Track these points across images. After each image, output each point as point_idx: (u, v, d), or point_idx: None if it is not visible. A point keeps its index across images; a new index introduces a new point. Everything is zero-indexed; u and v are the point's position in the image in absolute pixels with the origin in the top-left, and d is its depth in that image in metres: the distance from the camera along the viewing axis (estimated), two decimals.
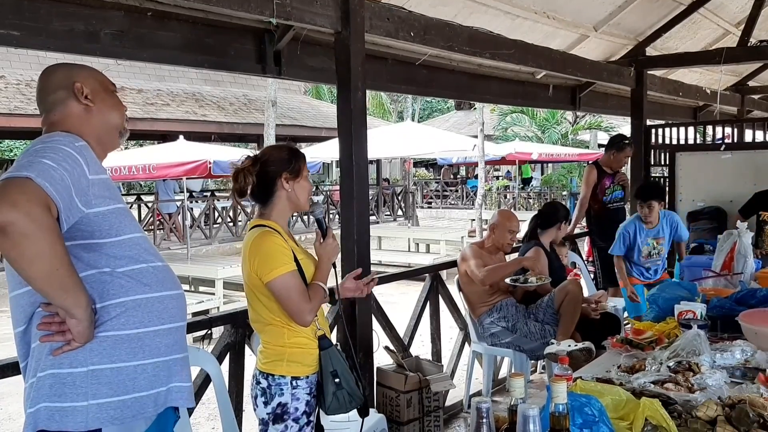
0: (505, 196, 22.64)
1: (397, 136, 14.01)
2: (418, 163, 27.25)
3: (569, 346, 3.53)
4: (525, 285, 4.06)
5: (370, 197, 16.88)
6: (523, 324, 4.12)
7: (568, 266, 5.21)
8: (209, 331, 3.23)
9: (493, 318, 4.20)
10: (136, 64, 13.34)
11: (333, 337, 2.75)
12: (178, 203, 14.12)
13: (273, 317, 2.34)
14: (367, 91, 3.82)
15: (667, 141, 7.03)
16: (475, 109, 20.71)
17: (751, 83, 9.26)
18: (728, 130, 8.12)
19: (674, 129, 7.08)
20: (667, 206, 5.76)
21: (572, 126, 21.97)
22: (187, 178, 12.88)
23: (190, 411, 2.60)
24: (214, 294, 8.49)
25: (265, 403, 2.34)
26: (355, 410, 2.43)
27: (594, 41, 6.19)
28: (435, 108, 35.00)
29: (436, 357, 4.59)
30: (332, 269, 2.46)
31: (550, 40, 5.65)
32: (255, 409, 2.40)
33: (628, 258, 5.09)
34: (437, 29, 4.20)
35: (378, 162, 19.36)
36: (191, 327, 2.99)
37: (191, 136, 13.88)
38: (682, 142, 7.06)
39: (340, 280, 2.52)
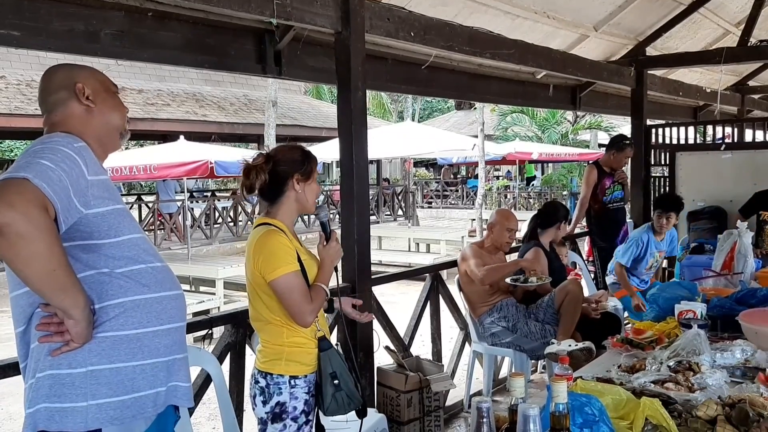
0: (506, 196, 22.64)
1: (397, 136, 14.01)
2: (418, 163, 27.24)
3: (569, 345, 3.53)
4: (525, 285, 4.06)
5: (371, 197, 16.92)
6: (524, 324, 4.12)
7: (569, 266, 5.21)
8: (210, 331, 3.23)
9: (494, 318, 4.20)
10: (136, 65, 13.35)
11: (333, 338, 2.76)
12: (179, 203, 14.12)
13: (273, 316, 2.34)
14: (367, 91, 3.82)
15: (667, 141, 7.03)
16: (475, 108, 20.71)
17: (751, 83, 9.26)
18: (728, 129, 8.13)
19: (674, 129, 7.08)
20: None
21: (572, 126, 21.97)
22: (187, 179, 12.90)
23: (191, 411, 2.60)
24: (214, 294, 8.50)
25: (264, 403, 2.34)
26: (353, 412, 2.44)
27: (594, 41, 6.20)
28: (435, 108, 34.99)
29: (436, 357, 4.59)
30: (334, 272, 2.47)
31: (550, 40, 5.65)
32: (254, 409, 2.40)
33: (629, 268, 5.08)
34: (437, 29, 4.20)
35: (378, 162, 19.37)
36: (192, 327, 2.99)
37: (191, 137, 13.89)
38: (682, 141, 7.06)
39: (341, 283, 2.53)
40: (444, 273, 4.79)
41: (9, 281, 1.73)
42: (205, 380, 2.94)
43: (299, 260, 2.33)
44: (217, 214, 15.03)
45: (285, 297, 2.27)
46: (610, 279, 5.31)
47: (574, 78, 6.39)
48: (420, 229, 15.88)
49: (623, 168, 6.01)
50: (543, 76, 6.21)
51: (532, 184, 24.93)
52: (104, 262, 1.72)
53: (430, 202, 25.50)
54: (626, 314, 5.06)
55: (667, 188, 6.65)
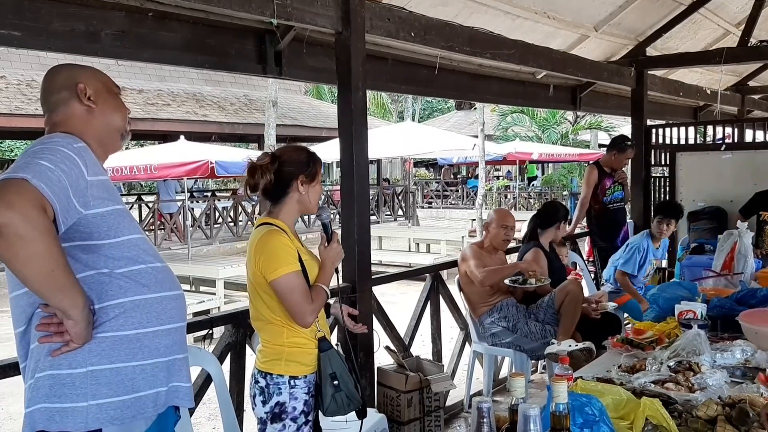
0: (506, 196, 22.64)
1: (398, 136, 14.02)
2: (418, 163, 27.24)
3: (570, 345, 3.52)
4: (524, 286, 4.06)
5: (371, 197, 16.91)
6: (524, 324, 4.12)
7: (569, 266, 5.20)
8: (210, 331, 3.24)
9: (494, 318, 4.20)
10: (136, 65, 13.35)
11: (333, 338, 2.76)
12: (179, 203, 14.13)
13: (273, 316, 2.35)
14: (368, 91, 3.82)
15: (668, 141, 7.03)
16: (475, 109, 20.72)
17: (751, 83, 9.26)
18: (728, 130, 8.14)
19: (674, 129, 7.08)
20: None
21: (572, 126, 21.97)
22: (187, 179, 12.90)
23: (191, 411, 2.60)
24: (214, 294, 8.50)
25: (264, 402, 2.35)
26: (353, 412, 2.44)
27: (594, 41, 6.20)
28: (435, 108, 34.99)
29: (436, 357, 4.59)
30: (335, 273, 2.47)
31: (550, 40, 5.65)
32: (254, 409, 2.41)
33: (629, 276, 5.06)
34: (437, 29, 4.20)
35: (378, 162, 19.36)
36: (192, 327, 2.99)
37: (192, 137, 13.90)
38: (682, 142, 7.06)
39: (341, 283, 2.53)
40: (444, 273, 4.79)
41: (9, 281, 1.73)
42: (206, 380, 2.94)
43: (300, 260, 2.33)
44: (217, 214, 15.04)
45: (286, 297, 2.28)
46: (608, 287, 5.16)
47: (575, 78, 6.39)
48: (420, 229, 15.88)
49: (623, 168, 6.02)
50: (543, 77, 6.21)
51: (533, 184, 24.93)
52: (104, 262, 1.72)
53: (431, 202, 25.50)
54: (626, 314, 5.05)
55: (668, 188, 6.64)
